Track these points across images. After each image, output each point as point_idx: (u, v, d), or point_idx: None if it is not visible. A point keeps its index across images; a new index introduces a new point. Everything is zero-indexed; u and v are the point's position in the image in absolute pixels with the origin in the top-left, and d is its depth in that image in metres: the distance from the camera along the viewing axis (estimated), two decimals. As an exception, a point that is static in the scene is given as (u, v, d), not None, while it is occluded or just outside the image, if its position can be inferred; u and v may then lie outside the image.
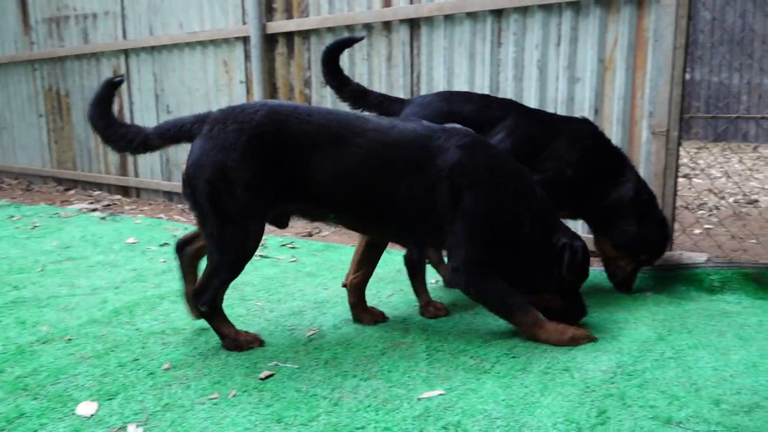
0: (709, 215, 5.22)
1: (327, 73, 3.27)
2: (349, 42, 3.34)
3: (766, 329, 2.75)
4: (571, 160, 3.13)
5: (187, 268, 2.84)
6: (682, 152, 4.22)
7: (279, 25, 5.19)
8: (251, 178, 2.48)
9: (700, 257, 3.52)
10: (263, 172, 2.51)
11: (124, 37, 6.46)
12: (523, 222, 2.68)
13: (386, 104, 3.19)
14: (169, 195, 6.46)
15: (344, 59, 4.83)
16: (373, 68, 4.73)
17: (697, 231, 4.49)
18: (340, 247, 4.45)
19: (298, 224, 5.20)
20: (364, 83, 4.76)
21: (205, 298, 2.59)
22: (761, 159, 7.02)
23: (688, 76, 3.48)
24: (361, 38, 3.37)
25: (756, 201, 5.86)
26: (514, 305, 2.65)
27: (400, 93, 4.54)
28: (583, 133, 3.19)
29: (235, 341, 2.63)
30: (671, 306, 3.09)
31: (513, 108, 3.19)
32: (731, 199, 5.96)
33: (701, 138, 9.98)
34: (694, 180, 6.39)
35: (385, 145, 2.63)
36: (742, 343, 2.60)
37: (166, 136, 2.60)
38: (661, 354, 2.51)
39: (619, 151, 3.31)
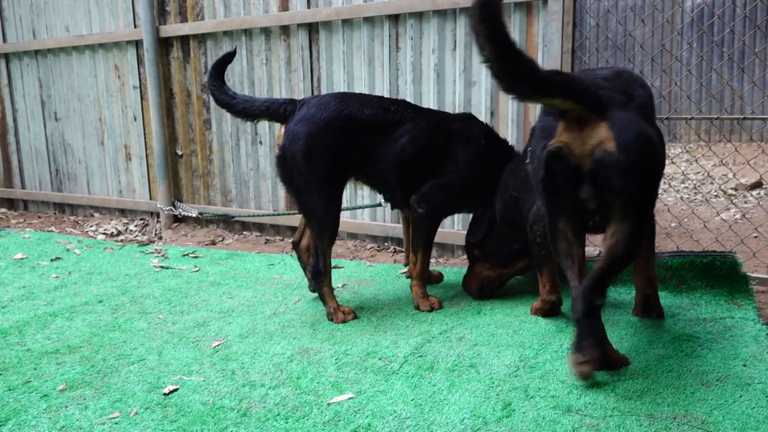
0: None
1: (216, 91, 3.20)
2: (229, 57, 3.30)
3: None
4: (469, 160, 3.22)
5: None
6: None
7: (173, 28, 5.03)
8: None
9: (593, 251, 3.69)
10: None
11: (4, 40, 6.08)
12: None
13: (274, 108, 3.14)
14: (60, 207, 6.13)
15: (243, 64, 4.76)
16: (272, 73, 4.68)
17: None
18: (244, 255, 4.37)
19: (200, 233, 5.07)
20: (264, 87, 4.71)
21: (603, 290, 2.40)
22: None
23: (576, 79, 3.62)
24: (234, 53, 3.34)
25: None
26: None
27: (300, 97, 4.51)
28: (475, 133, 3.28)
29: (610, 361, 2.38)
30: (568, 299, 3.22)
31: (408, 109, 3.24)
32: (619, 195, 6.28)
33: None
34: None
35: None
36: (633, 332, 2.76)
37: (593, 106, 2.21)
38: (560, 345, 2.63)
39: (507, 144, 3.43)
